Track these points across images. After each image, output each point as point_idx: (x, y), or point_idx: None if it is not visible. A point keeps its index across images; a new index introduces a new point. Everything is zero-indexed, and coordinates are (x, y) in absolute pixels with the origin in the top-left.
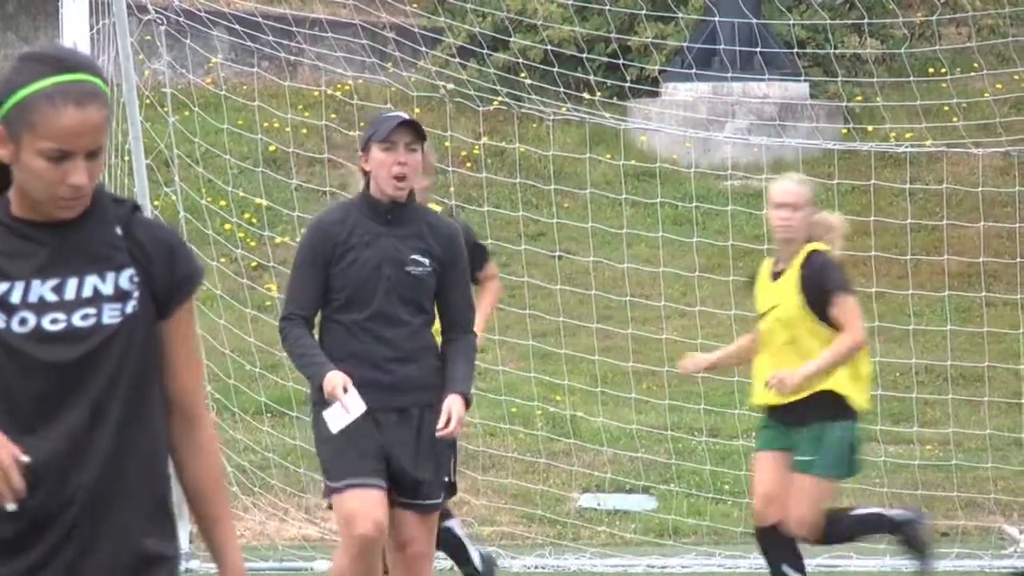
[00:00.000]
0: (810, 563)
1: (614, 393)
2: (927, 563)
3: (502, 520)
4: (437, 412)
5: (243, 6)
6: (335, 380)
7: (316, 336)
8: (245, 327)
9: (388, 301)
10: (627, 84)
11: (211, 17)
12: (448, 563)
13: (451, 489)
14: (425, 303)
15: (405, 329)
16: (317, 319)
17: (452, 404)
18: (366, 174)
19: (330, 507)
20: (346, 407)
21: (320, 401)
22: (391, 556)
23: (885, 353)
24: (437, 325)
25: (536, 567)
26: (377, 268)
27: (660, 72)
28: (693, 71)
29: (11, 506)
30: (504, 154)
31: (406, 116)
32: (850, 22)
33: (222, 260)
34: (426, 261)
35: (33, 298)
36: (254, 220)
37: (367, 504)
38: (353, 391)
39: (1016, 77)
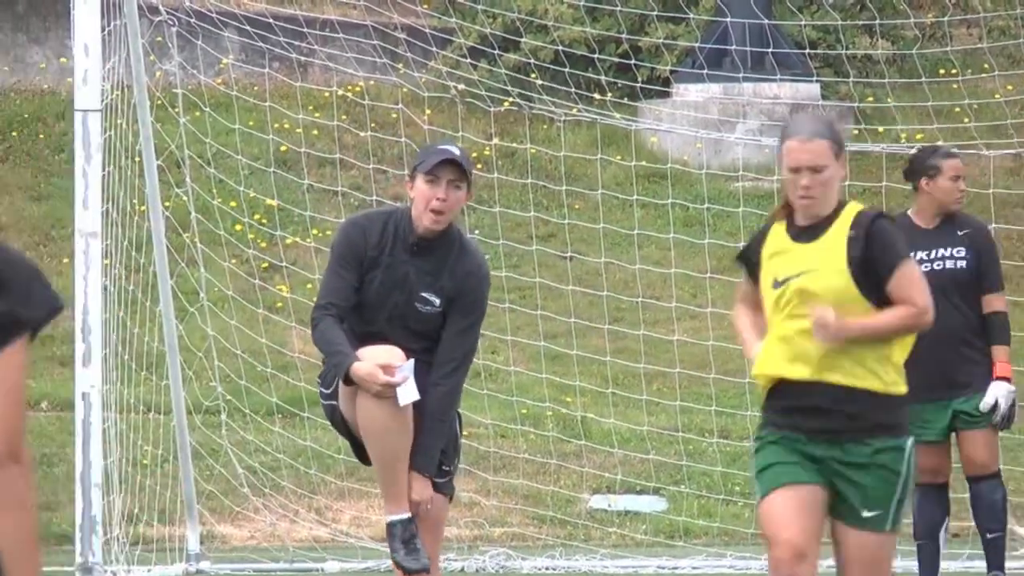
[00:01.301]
0: (820, 564)
1: (625, 394)
2: None
3: (513, 521)
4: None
5: (254, 7)
6: (366, 370)
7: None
8: (256, 328)
9: (391, 327)
10: (638, 85)
11: (222, 18)
12: (459, 564)
13: (448, 478)
14: (434, 336)
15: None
16: None
17: (413, 486)
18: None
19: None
20: (398, 397)
21: (330, 395)
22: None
23: None
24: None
25: (547, 568)
26: (388, 294)
27: (671, 73)
28: (704, 72)
29: None
30: (515, 155)
31: (455, 153)
32: (861, 23)
33: (233, 261)
34: (436, 301)
35: None
36: (265, 221)
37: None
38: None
39: None
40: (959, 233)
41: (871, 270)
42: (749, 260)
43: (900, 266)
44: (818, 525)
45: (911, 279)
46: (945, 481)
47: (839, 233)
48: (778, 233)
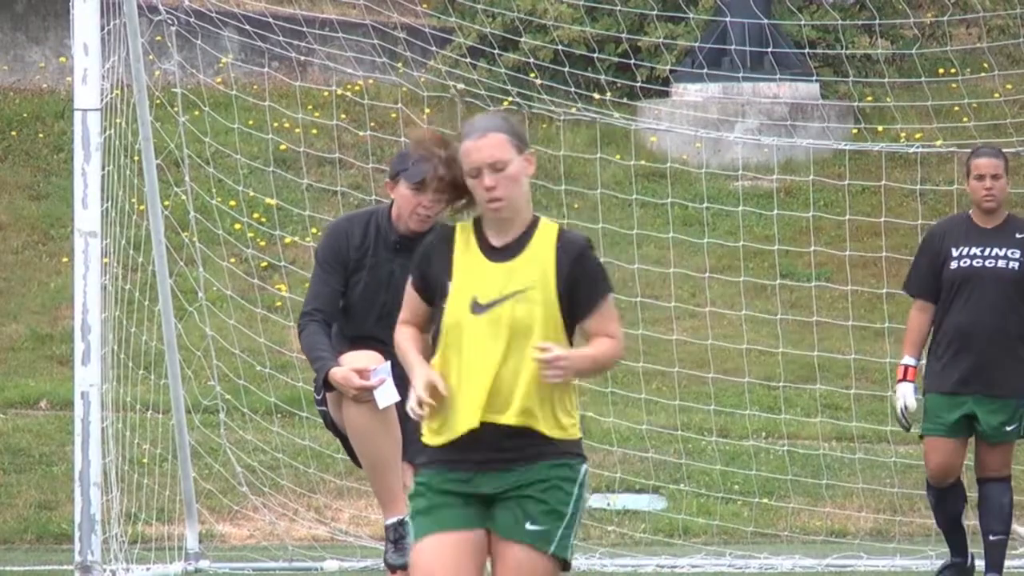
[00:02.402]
0: (819, 563)
1: (624, 393)
2: None
3: None
4: None
5: (253, 6)
6: (341, 375)
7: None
8: (255, 327)
9: (380, 327)
10: (637, 84)
11: (221, 17)
12: None
13: None
14: None
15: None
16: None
17: (407, 476)
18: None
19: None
20: (376, 401)
21: (321, 401)
22: None
23: (895, 354)
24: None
25: None
26: (375, 295)
27: (670, 72)
28: (704, 71)
29: None
30: None
31: (420, 172)
32: (860, 22)
33: (232, 260)
34: None
35: None
36: (264, 220)
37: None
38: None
39: None
40: (1017, 236)
41: (575, 299)
42: (424, 275)
43: (608, 301)
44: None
45: (613, 313)
46: (951, 483)
47: (544, 251)
48: (466, 245)
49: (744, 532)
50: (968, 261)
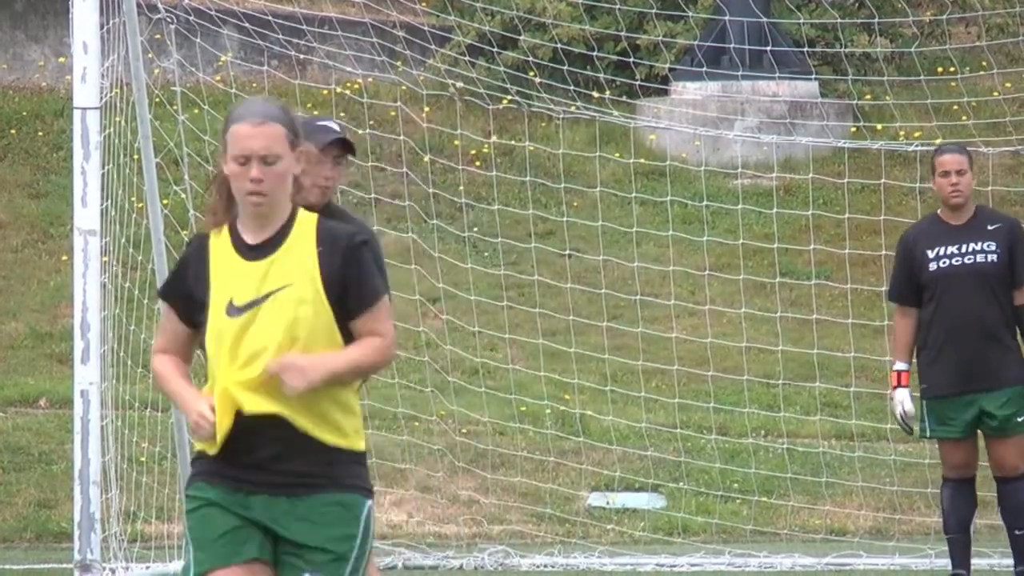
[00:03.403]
0: (818, 561)
1: (623, 392)
2: None
3: (511, 519)
4: None
5: (253, 5)
6: None
7: None
8: None
9: None
10: (636, 83)
11: (221, 16)
12: (457, 562)
13: None
14: None
15: None
16: None
17: None
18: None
19: None
20: None
21: None
22: None
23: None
24: None
25: (545, 566)
26: None
27: (670, 70)
28: (703, 69)
29: None
30: (513, 153)
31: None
32: (860, 21)
33: None
34: None
35: None
36: None
37: None
38: None
39: None
40: (989, 228)
41: (345, 297)
42: (180, 292)
43: (382, 300)
44: None
45: (385, 311)
46: (973, 475)
47: (304, 245)
48: (221, 249)
49: (743, 530)
50: (947, 261)
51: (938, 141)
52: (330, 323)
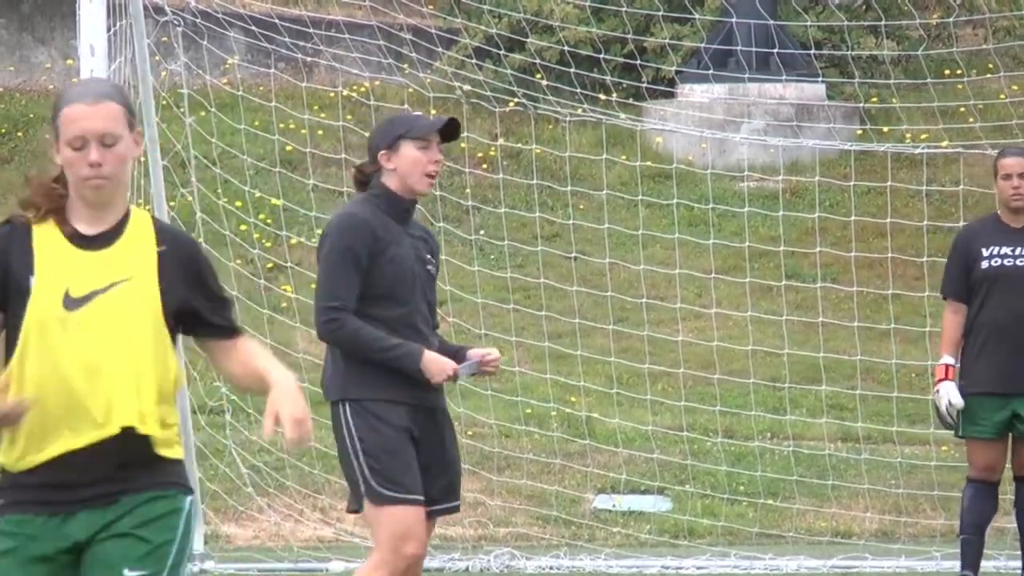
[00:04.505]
0: (824, 564)
1: (629, 394)
2: None
3: (517, 521)
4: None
5: (260, 7)
6: (443, 367)
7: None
8: (261, 328)
9: (417, 299)
10: (643, 85)
11: (228, 18)
12: (463, 564)
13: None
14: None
15: (428, 327)
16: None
17: None
18: (373, 172)
19: (353, 511)
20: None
21: (364, 398)
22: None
23: (901, 354)
24: None
25: (551, 568)
26: (411, 266)
27: (676, 73)
28: (709, 72)
29: None
30: (520, 155)
31: (443, 118)
32: (866, 23)
33: (238, 261)
34: (434, 262)
35: None
36: (270, 221)
37: (419, 522)
38: (465, 366)
39: None
40: None
41: (190, 300)
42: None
43: (234, 308)
44: None
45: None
46: (998, 480)
47: (143, 241)
48: (48, 237)
49: (749, 533)
50: (999, 261)
51: (944, 144)
52: (160, 322)
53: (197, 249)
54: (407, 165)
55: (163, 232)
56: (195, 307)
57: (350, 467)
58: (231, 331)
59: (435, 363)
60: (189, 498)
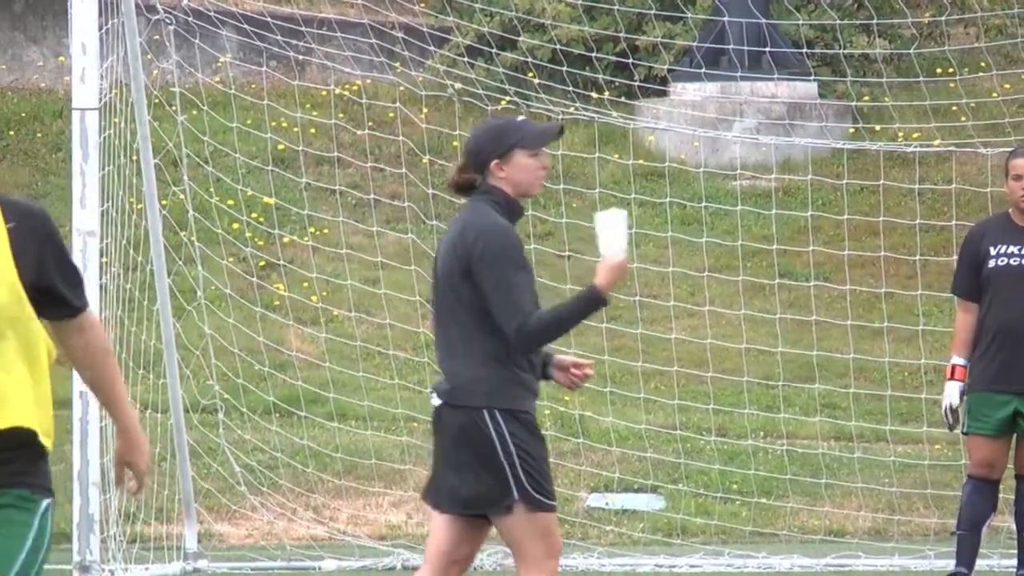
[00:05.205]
0: (817, 562)
1: (622, 393)
2: None
3: None
4: None
5: (252, 6)
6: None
7: (479, 337)
8: (254, 326)
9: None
10: (636, 83)
11: (220, 17)
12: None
13: None
14: None
15: None
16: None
17: None
18: (478, 178)
19: (509, 507)
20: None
21: (516, 409)
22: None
23: (894, 353)
24: None
25: None
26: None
27: (668, 71)
28: (702, 71)
29: None
30: None
31: (553, 126)
32: (858, 22)
33: (230, 259)
34: None
35: None
36: (262, 219)
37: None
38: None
39: None
40: None
41: (51, 290)
42: None
43: (84, 290)
44: None
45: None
46: (998, 478)
47: None
48: None
49: (742, 532)
50: (1005, 260)
51: (936, 142)
52: (23, 301)
53: (49, 222)
54: (523, 173)
55: (11, 208)
56: (52, 281)
57: (497, 471)
58: (80, 308)
59: (610, 274)
60: (46, 500)
